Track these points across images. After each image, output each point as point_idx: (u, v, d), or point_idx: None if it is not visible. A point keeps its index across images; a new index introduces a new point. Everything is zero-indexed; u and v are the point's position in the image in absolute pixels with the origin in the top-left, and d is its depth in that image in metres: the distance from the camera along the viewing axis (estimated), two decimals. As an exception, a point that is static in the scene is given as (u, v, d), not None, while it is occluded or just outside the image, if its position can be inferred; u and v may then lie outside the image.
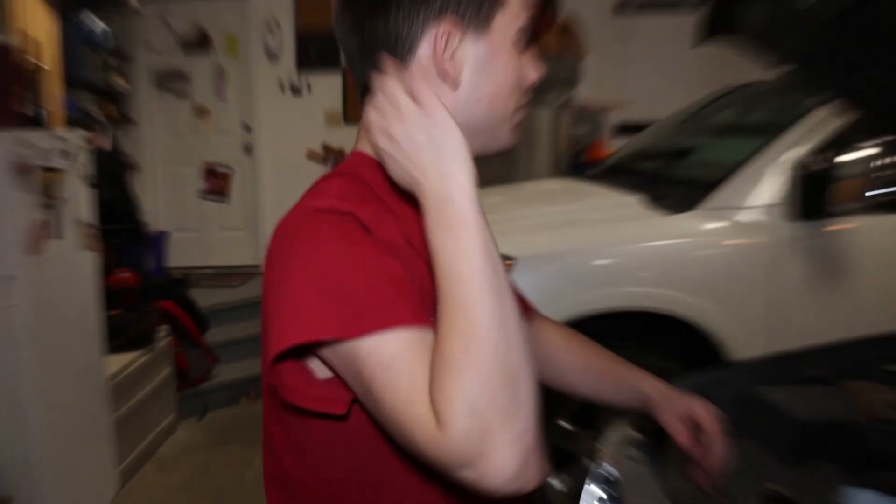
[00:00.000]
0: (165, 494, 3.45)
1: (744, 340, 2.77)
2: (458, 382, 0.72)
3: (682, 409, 1.25)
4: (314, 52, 6.20)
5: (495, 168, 5.49)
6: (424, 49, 0.94)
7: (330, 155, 6.20)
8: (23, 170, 2.53)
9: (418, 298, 0.83)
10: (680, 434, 1.24)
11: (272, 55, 6.22)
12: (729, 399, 1.66)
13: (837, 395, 1.54)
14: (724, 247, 2.88)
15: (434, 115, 0.83)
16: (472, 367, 0.73)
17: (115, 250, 4.20)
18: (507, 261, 2.82)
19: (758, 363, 1.79)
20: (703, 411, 1.25)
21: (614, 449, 1.46)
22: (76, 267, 2.91)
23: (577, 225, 3.02)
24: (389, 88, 0.86)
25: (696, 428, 1.24)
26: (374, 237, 0.87)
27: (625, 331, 2.90)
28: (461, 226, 0.80)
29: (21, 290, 2.49)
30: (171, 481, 3.56)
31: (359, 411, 0.88)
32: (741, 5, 1.42)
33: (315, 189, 0.96)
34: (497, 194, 4.03)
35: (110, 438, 3.17)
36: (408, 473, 0.90)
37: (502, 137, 1.02)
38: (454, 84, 0.95)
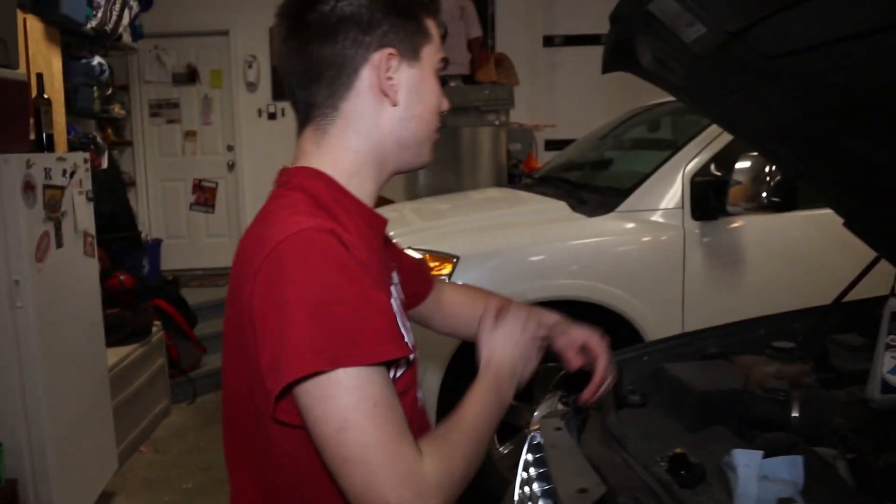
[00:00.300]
0: (160, 471, 3.37)
1: (657, 324, 2.79)
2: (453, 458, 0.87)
3: (576, 338, 1.27)
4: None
5: (446, 178, 5.48)
6: (367, 72, 0.95)
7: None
8: (29, 188, 2.45)
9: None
10: (573, 360, 1.26)
11: (251, 86, 6.16)
12: (641, 374, 1.67)
13: (732, 368, 1.55)
14: (638, 243, 2.90)
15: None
16: (463, 455, 0.90)
17: (114, 256, 4.10)
18: (451, 258, 2.81)
19: (666, 342, 1.80)
20: (595, 340, 1.26)
21: (543, 419, 1.45)
22: (77, 271, 2.82)
23: (511, 227, 3.02)
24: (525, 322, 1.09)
25: (587, 354, 1.27)
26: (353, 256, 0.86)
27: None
28: (498, 396, 1.01)
29: (26, 293, 2.40)
30: (165, 459, 3.48)
31: None
32: (637, 43, 1.43)
33: (284, 202, 0.93)
34: (445, 201, 4.02)
35: (110, 423, 3.08)
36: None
37: (424, 154, 1.03)
38: (393, 102, 0.96)
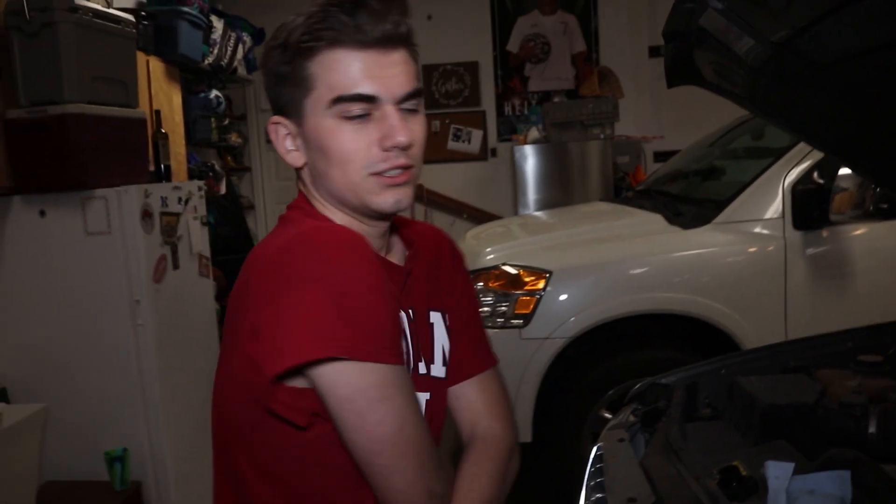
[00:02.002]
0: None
1: (758, 337, 2.71)
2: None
3: None
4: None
5: (554, 192, 5.54)
6: None
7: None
8: (147, 215, 2.69)
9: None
10: None
11: (360, 109, 6.38)
12: (714, 387, 1.65)
13: (809, 382, 1.51)
14: (735, 255, 2.84)
15: None
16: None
17: (232, 276, 4.36)
18: (545, 273, 2.85)
19: (747, 355, 1.76)
20: None
21: (608, 431, 1.48)
22: (193, 291, 3.05)
23: (604, 241, 3.02)
24: None
25: None
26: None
27: (650, 330, 2.89)
28: None
29: (146, 312, 2.64)
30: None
31: (320, 428, 0.87)
32: (696, 57, 1.43)
33: (301, 219, 0.95)
34: (548, 216, 4.08)
35: (226, 431, 3.29)
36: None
37: (373, 200, 0.90)
38: (295, 164, 0.95)
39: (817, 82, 1.24)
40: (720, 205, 2.94)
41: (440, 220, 6.30)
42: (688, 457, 1.28)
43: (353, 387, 0.81)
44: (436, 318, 1.03)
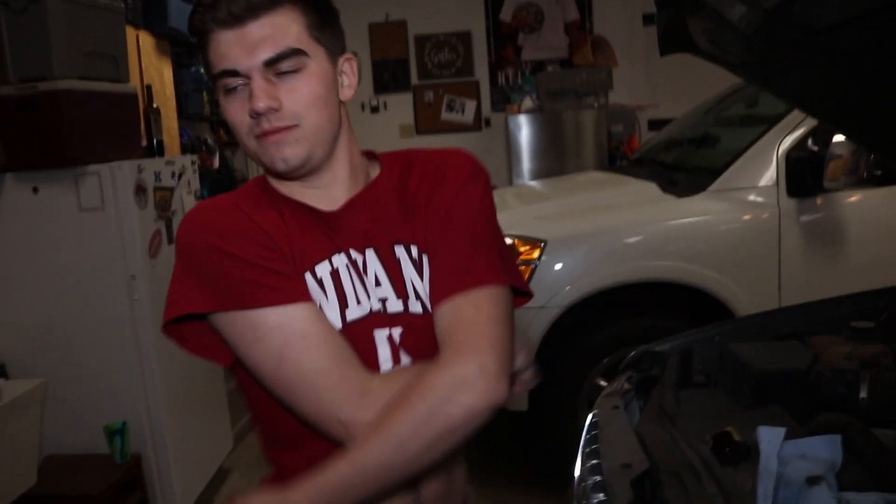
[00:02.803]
0: (273, 449, 3.58)
1: (752, 305, 2.72)
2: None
3: None
4: (387, 76, 6.29)
5: (549, 162, 5.52)
6: None
7: (406, 162, 6.29)
8: (140, 190, 2.68)
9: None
10: None
11: (353, 81, 6.33)
12: (710, 355, 1.66)
13: (801, 348, 1.52)
14: (729, 223, 2.84)
15: None
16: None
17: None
18: (539, 242, 2.85)
19: (740, 322, 1.77)
20: None
21: (603, 398, 1.49)
22: (189, 266, 3.05)
23: (598, 210, 3.02)
24: None
25: None
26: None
27: (645, 299, 2.91)
28: None
29: (141, 287, 2.63)
30: (278, 438, 3.69)
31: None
32: (689, 25, 1.42)
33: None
34: (543, 185, 4.08)
35: (224, 405, 3.32)
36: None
37: (265, 161, 0.95)
38: None
39: (811, 49, 1.23)
40: (714, 173, 2.94)
41: (435, 191, 6.28)
42: (682, 423, 1.29)
43: (228, 333, 0.92)
44: (400, 252, 0.99)
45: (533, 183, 5.02)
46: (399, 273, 0.98)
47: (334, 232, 0.97)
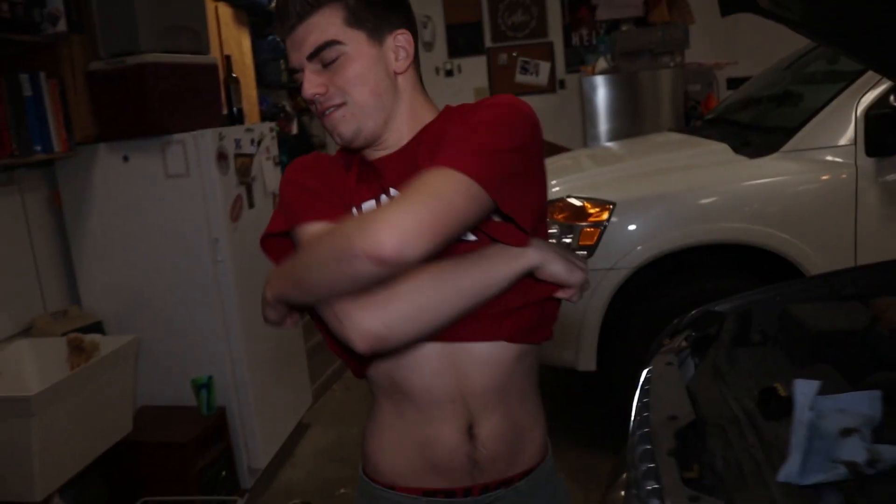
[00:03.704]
0: (350, 406, 3.75)
1: (825, 267, 2.67)
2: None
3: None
4: (461, 40, 6.30)
5: (624, 123, 5.47)
6: None
7: (480, 125, 6.31)
8: (222, 157, 2.82)
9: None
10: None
11: (427, 45, 6.36)
12: (768, 315, 1.67)
13: (863, 309, 1.52)
14: (803, 184, 2.79)
15: None
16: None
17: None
18: (608, 205, 2.86)
19: (802, 283, 1.77)
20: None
21: (658, 356, 1.53)
22: (268, 230, 3.19)
23: (668, 172, 3.00)
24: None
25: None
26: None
27: (715, 261, 2.89)
28: (491, 268, 1.01)
29: (224, 249, 2.79)
30: (354, 396, 3.86)
31: None
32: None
33: None
34: (617, 147, 4.05)
35: (303, 363, 3.48)
36: None
37: (328, 133, 1.09)
38: None
39: (873, 2, 1.22)
40: (789, 132, 2.87)
41: (509, 154, 6.29)
42: (732, 379, 1.32)
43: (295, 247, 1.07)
44: None
45: (605, 145, 4.99)
46: None
47: (382, 177, 1.06)
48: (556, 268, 1.02)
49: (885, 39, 1.42)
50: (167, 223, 2.78)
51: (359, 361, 1.10)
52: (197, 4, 2.90)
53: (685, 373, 1.50)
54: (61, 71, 2.57)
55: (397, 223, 0.84)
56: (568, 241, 2.90)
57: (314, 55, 1.03)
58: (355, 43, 1.03)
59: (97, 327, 2.76)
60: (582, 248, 2.86)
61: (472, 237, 1.01)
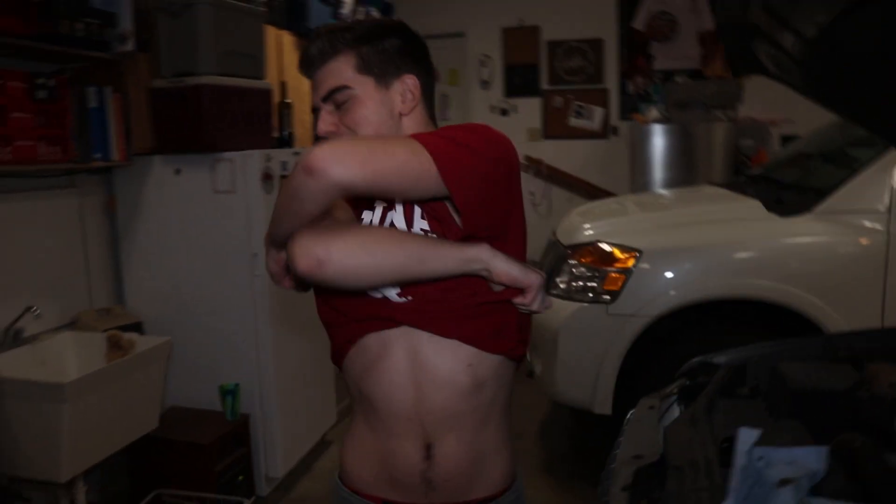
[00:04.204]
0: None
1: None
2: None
3: None
4: (518, 80, 6.43)
5: (674, 174, 5.48)
6: None
7: (532, 164, 6.39)
8: (267, 177, 2.96)
9: None
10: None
11: (485, 83, 6.51)
12: (761, 369, 1.71)
13: (851, 372, 1.54)
14: (831, 248, 2.80)
15: None
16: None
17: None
18: (635, 252, 2.91)
19: (801, 342, 1.79)
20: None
21: (643, 399, 1.58)
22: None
23: (696, 225, 3.04)
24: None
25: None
26: None
27: (736, 315, 2.91)
28: (436, 254, 1.09)
29: (262, 264, 2.91)
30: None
31: None
32: (754, 48, 1.48)
33: None
34: (651, 197, 4.09)
35: (330, 380, 3.58)
36: None
37: None
38: None
39: (858, 74, 1.28)
40: (822, 193, 2.89)
41: (559, 195, 6.36)
42: (706, 427, 1.36)
43: None
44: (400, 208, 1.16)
45: (642, 194, 5.02)
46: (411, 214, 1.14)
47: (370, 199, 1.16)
48: (508, 267, 1.06)
49: (884, 106, 1.47)
50: (211, 235, 2.93)
51: (336, 339, 1.20)
52: (257, 32, 3.08)
53: (669, 418, 1.54)
54: (126, 86, 2.76)
55: (335, 146, 0.97)
56: (593, 284, 2.96)
57: (328, 97, 1.16)
58: (363, 87, 1.15)
59: (137, 327, 2.91)
60: (606, 292, 2.91)
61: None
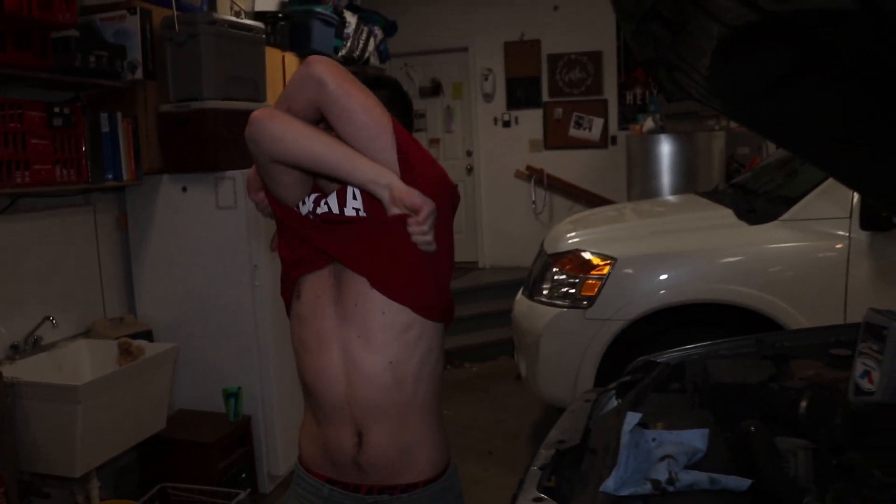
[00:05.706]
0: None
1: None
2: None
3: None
4: (520, 93, 6.62)
5: (669, 182, 5.62)
6: None
7: (533, 174, 6.57)
8: (268, 193, 3.17)
9: None
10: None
11: (487, 96, 6.70)
12: (696, 366, 1.87)
13: (770, 367, 1.70)
14: (795, 253, 2.95)
15: None
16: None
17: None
18: (610, 259, 3.08)
19: (737, 341, 1.95)
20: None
21: (583, 393, 1.76)
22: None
23: (669, 233, 3.21)
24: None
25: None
26: None
27: (708, 318, 3.06)
28: (351, 165, 1.25)
29: (262, 275, 3.13)
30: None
31: None
32: (677, 78, 1.65)
33: None
34: (635, 205, 4.25)
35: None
36: None
37: None
38: None
39: (752, 107, 1.45)
40: (789, 202, 3.05)
41: (560, 204, 6.54)
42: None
43: None
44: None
45: (635, 203, 5.17)
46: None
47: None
48: (407, 188, 1.20)
49: (779, 132, 1.63)
50: (215, 248, 3.14)
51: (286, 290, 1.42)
52: (257, 58, 3.30)
53: (607, 409, 1.72)
54: (135, 111, 2.98)
55: (335, 64, 1.22)
56: (572, 290, 3.13)
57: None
58: None
59: (147, 335, 3.13)
60: (583, 297, 3.08)
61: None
